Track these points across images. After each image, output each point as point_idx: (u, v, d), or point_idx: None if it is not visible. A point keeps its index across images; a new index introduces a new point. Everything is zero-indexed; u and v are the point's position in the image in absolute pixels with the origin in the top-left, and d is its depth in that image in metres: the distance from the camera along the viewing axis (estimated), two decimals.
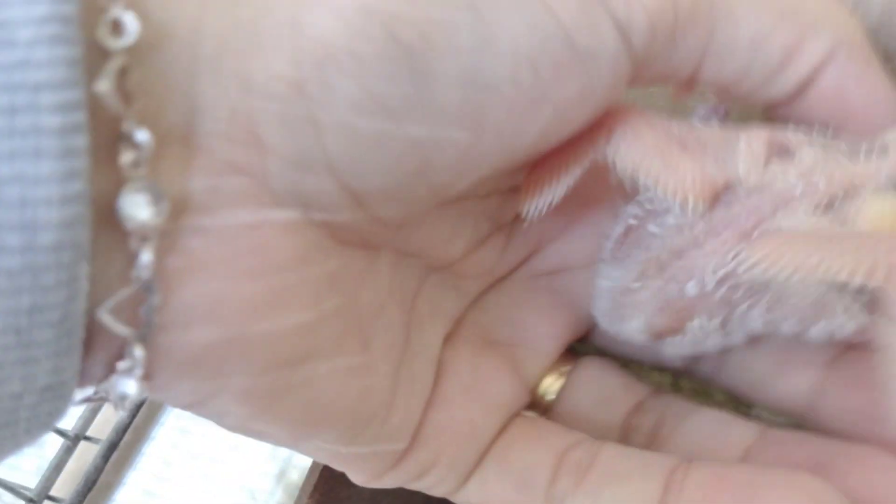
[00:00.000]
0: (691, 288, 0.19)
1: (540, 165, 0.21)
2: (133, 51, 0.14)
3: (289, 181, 0.16)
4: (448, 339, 0.22)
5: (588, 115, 0.18)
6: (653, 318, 0.20)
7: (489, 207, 0.22)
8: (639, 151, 0.19)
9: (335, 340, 0.18)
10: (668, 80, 0.20)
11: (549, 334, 0.23)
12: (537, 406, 0.24)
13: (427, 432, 0.21)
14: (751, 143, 0.19)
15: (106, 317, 0.15)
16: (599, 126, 0.20)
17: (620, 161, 0.19)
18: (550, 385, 0.24)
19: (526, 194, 0.21)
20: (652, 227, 0.20)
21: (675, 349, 0.21)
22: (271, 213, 0.16)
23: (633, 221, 0.21)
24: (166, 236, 0.15)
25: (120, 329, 0.15)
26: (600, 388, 0.23)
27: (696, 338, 0.20)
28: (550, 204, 0.21)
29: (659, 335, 0.21)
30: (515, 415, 0.22)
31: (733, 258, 0.18)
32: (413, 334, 0.21)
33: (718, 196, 0.19)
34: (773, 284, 0.18)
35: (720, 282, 0.19)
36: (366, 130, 0.16)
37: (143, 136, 0.14)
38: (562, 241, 0.24)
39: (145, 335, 0.15)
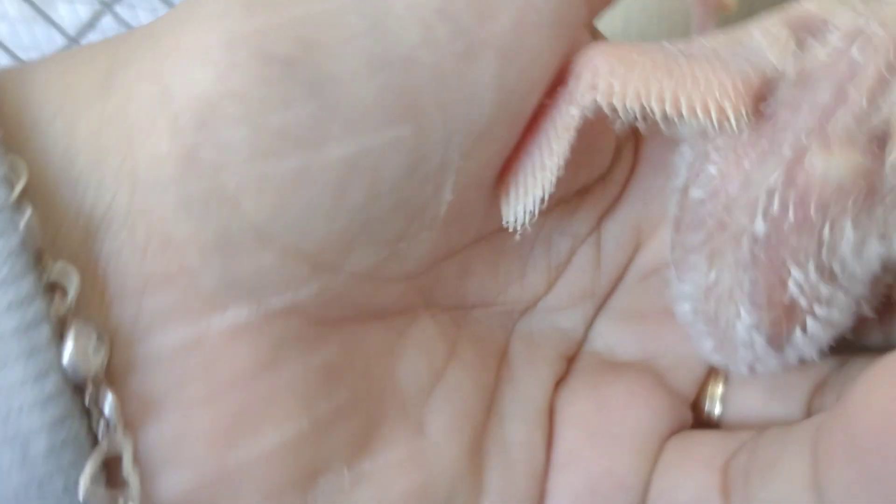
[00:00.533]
0: (758, 225, 0.14)
1: (511, 159, 0.16)
2: (24, 193, 0.13)
3: (219, 273, 0.14)
4: (560, 383, 0.19)
5: (552, 45, 0.15)
6: (753, 298, 0.15)
7: (558, 222, 0.19)
8: (640, 77, 0.14)
9: (356, 441, 0.16)
10: None
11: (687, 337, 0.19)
12: (704, 423, 0.19)
13: (559, 500, 0.17)
14: (767, 29, 0.15)
15: (93, 496, 0.13)
16: (574, 80, 0.15)
17: (620, 98, 0.14)
18: (711, 393, 0.19)
19: (502, 197, 0.16)
20: (694, 192, 0.15)
21: (807, 346, 0.16)
22: (210, 319, 0.14)
23: (679, 212, 0.16)
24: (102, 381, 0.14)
25: (109, 501, 0.13)
26: (771, 378, 0.18)
27: (815, 310, 0.15)
28: (543, 201, 0.16)
29: (775, 327, 0.15)
30: (673, 434, 0.18)
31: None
32: (502, 395, 0.18)
33: (760, 103, 0.14)
34: (844, 184, 0.14)
35: (782, 201, 0.14)
36: (282, 174, 0.14)
37: (70, 274, 0.13)
38: (663, 228, 0.19)
39: (131, 497, 0.14)
